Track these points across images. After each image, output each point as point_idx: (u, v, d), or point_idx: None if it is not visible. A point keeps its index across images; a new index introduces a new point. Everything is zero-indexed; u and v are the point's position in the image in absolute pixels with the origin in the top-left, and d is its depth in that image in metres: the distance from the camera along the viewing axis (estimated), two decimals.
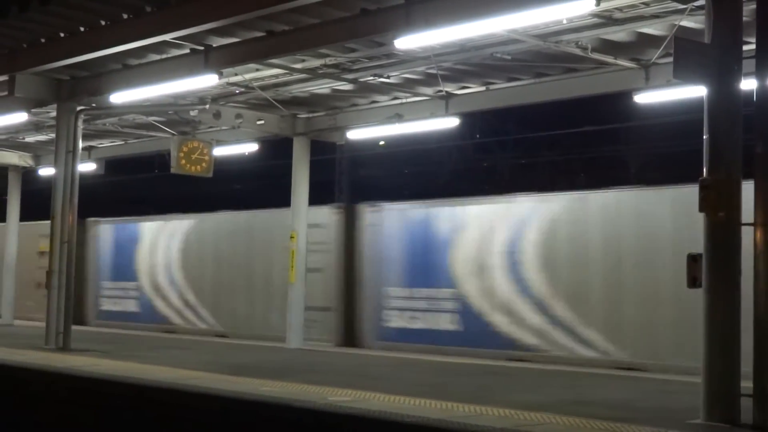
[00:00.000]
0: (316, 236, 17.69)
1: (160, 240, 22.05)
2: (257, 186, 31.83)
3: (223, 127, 17.72)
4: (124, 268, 22.95)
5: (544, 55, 12.80)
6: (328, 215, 18.35)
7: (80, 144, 15.30)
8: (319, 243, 17.86)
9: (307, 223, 16.97)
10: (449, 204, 17.07)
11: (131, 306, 22.64)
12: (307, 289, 16.97)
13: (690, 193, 8.39)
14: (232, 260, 20.37)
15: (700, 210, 7.89)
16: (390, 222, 17.62)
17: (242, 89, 15.41)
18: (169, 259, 21.78)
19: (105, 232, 23.81)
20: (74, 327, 20.25)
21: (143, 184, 34.36)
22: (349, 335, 17.83)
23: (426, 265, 16.78)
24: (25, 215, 23.15)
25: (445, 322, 16.24)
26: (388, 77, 14.31)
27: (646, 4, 10.75)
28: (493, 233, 15.89)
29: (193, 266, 21.29)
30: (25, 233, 23.16)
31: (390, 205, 17.90)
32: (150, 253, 22.34)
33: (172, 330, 20.88)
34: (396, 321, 17.12)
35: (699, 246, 7.98)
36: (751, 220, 7.61)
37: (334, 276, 18.10)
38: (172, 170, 16.42)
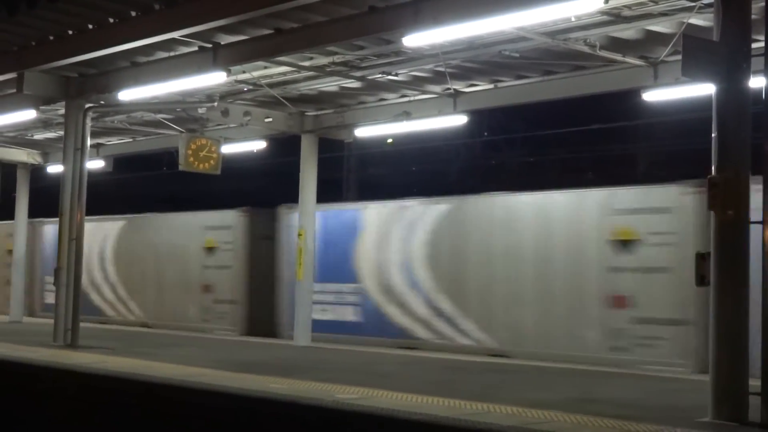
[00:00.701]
0: (657, 225, 14.00)
1: (394, 230, 17.44)
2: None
3: (231, 125, 17.75)
4: (336, 266, 18.39)
5: (552, 53, 12.79)
6: (675, 196, 13.92)
7: (89, 141, 15.31)
8: (661, 233, 13.95)
9: (635, 207, 14.30)
10: None
11: (348, 314, 18.12)
12: (641, 295, 13.99)
13: None
14: (511, 256, 15.79)
15: (709, 208, 7.88)
16: None
17: (250, 87, 15.42)
18: (408, 256, 17.30)
19: None
20: (260, 340, 18.13)
21: None
22: None
23: None
24: (33, 213, 23.15)
25: None
26: (396, 75, 14.31)
27: (655, 2, 10.73)
28: None
29: (447, 264, 16.75)
30: (182, 225, 20.95)
31: None
32: (378, 248, 17.83)
33: (416, 346, 16.49)
34: None
35: None
36: (760, 218, 7.60)
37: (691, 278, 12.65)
38: (181, 167, 16.43)
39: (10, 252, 23.48)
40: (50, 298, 23.89)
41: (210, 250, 20.12)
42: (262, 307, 19.36)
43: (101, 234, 23.24)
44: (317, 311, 17.71)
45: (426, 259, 16.97)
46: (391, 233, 17.56)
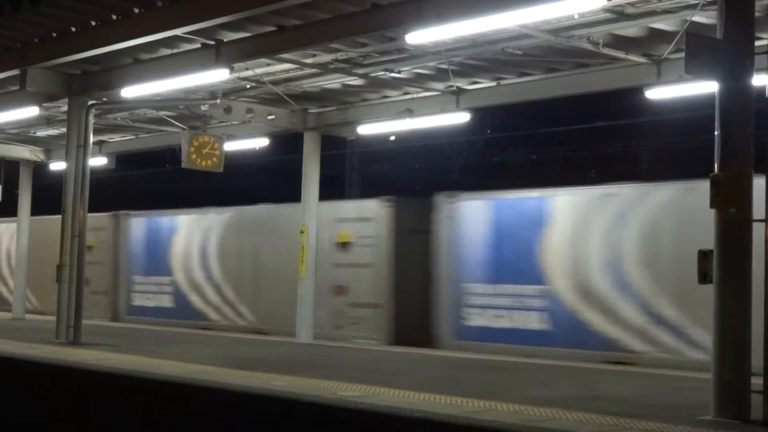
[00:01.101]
0: None
1: (597, 222, 14.84)
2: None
3: (234, 122, 17.76)
4: (514, 264, 15.80)
5: (555, 50, 12.79)
6: None
7: (91, 138, 15.31)
8: None
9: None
10: None
11: (532, 322, 15.37)
12: None
13: None
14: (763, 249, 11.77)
15: (712, 206, 7.87)
16: None
17: (253, 84, 15.43)
18: (615, 252, 14.64)
19: (472, 212, 16.55)
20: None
21: None
22: None
23: None
24: (36, 210, 23.14)
25: None
26: (399, 72, 14.32)
27: None
28: None
29: (672, 262, 13.84)
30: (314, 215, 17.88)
31: None
32: (573, 243, 15.16)
33: (628, 360, 13.92)
34: None
35: None
36: (762, 216, 7.59)
37: None
38: (183, 165, 16.42)
39: (90, 248, 20.69)
40: (139, 300, 22.43)
41: (343, 245, 17.87)
42: (410, 311, 16.98)
43: (202, 228, 21.13)
44: (488, 317, 15.83)
45: (642, 257, 14.30)
46: (592, 226, 14.97)
